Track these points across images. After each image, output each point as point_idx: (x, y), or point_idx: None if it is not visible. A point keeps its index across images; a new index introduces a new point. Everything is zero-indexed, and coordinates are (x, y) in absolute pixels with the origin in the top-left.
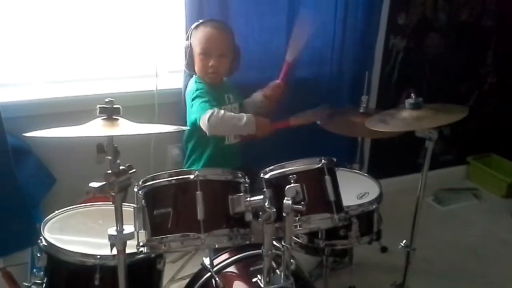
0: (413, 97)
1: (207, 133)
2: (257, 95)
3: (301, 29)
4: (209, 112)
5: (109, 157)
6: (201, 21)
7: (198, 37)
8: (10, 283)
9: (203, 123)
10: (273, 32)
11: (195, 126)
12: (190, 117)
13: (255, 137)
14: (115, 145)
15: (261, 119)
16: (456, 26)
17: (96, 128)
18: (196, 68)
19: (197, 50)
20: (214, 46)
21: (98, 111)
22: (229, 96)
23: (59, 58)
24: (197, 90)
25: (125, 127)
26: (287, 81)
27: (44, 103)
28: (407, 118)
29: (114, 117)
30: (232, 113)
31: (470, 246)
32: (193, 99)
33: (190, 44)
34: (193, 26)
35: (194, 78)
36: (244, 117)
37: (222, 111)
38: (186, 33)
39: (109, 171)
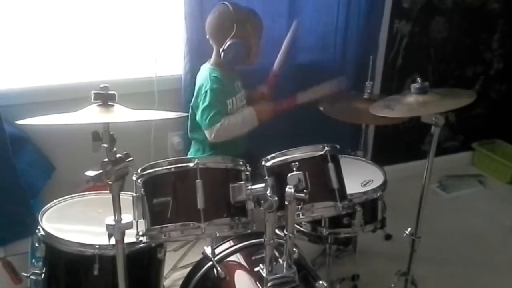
0: (419, 81)
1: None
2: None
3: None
4: (216, 126)
5: (105, 145)
6: (238, 12)
7: (252, 27)
8: (10, 273)
9: (209, 136)
10: (274, 17)
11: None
12: (200, 117)
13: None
14: (111, 133)
15: (262, 108)
16: (461, 9)
17: (90, 114)
18: (253, 57)
19: (255, 40)
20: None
21: (92, 97)
22: (238, 83)
23: (58, 45)
24: (213, 82)
25: (121, 114)
26: (272, 93)
27: (42, 90)
28: (412, 103)
29: (110, 103)
30: (234, 118)
31: (475, 233)
32: (206, 93)
33: (243, 37)
34: (232, 21)
35: (209, 66)
36: (246, 114)
37: (226, 122)
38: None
39: (106, 160)
